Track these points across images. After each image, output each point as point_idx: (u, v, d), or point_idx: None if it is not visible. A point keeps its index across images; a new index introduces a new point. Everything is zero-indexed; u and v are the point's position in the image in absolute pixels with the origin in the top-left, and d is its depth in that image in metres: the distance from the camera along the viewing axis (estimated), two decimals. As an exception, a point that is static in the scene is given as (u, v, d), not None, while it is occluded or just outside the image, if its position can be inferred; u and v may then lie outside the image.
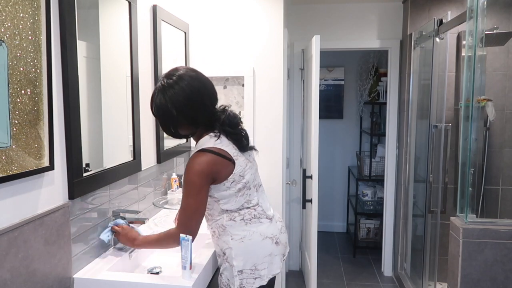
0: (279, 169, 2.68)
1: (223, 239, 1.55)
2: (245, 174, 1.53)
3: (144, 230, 1.87)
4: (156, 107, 1.46)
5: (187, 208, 1.45)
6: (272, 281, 1.62)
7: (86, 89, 1.50)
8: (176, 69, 1.49)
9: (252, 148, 1.63)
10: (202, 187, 1.44)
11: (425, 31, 2.95)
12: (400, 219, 3.41)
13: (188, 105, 1.43)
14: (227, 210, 1.52)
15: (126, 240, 1.61)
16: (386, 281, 3.54)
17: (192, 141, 2.71)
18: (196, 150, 1.49)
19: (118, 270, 1.54)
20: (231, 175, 1.49)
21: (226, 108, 1.55)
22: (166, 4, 2.29)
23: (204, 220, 1.56)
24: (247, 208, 1.55)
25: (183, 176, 1.49)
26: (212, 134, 1.50)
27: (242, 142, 1.56)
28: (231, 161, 1.49)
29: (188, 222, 1.45)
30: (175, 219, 1.86)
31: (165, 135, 2.28)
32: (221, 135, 1.50)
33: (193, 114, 1.46)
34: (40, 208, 1.26)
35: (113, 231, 1.63)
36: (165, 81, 1.45)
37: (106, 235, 1.61)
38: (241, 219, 1.53)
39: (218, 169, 1.47)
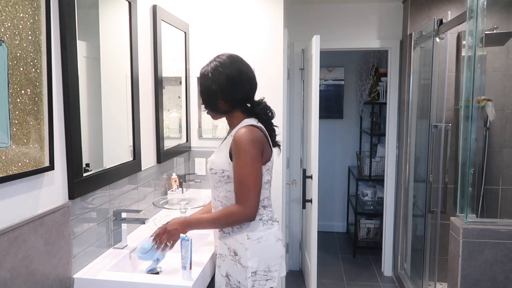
0: (279, 169, 2.68)
1: (237, 238, 1.50)
2: (273, 168, 1.56)
3: (144, 230, 1.88)
4: (201, 82, 1.55)
5: (244, 180, 1.40)
6: None
7: (86, 89, 1.50)
8: (223, 53, 1.57)
9: (278, 145, 1.63)
10: (257, 156, 1.42)
11: (425, 31, 2.95)
12: (400, 219, 3.41)
13: (228, 82, 1.47)
14: None
15: (176, 231, 1.48)
16: (386, 281, 3.54)
17: (193, 141, 2.73)
18: (240, 126, 1.48)
19: (118, 270, 1.54)
20: (269, 161, 1.50)
21: (264, 100, 1.58)
22: (166, 4, 2.29)
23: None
24: (264, 207, 1.54)
25: (233, 149, 1.43)
26: (252, 118, 1.53)
27: (273, 135, 1.58)
28: (270, 147, 1.51)
29: (248, 196, 1.41)
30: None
31: (165, 135, 2.28)
32: (260, 122, 1.53)
33: (231, 92, 1.49)
34: (40, 208, 1.26)
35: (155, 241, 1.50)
36: (213, 60, 1.54)
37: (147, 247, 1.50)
38: (259, 219, 1.52)
39: (264, 147, 1.47)
